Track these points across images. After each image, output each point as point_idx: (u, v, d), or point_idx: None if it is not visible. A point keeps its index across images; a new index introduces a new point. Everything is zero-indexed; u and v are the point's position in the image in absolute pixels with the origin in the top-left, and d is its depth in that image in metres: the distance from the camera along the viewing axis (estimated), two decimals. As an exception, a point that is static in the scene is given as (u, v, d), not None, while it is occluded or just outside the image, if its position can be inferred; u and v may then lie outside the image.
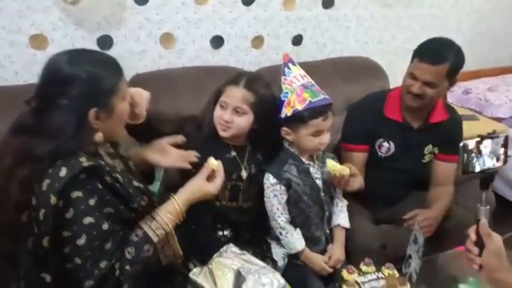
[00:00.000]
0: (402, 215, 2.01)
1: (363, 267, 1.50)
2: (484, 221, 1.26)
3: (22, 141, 1.22)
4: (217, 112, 1.68)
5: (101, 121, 1.26)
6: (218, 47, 2.55)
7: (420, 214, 1.95)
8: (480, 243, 1.24)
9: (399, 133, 2.03)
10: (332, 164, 1.73)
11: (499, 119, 3.05)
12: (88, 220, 1.18)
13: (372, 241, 1.89)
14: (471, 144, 1.23)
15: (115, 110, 1.28)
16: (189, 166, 1.55)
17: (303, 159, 1.76)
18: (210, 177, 1.45)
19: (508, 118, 3.07)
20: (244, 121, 1.67)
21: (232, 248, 1.23)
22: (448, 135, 2.05)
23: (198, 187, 1.42)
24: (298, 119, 1.68)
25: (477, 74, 3.44)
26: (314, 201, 1.78)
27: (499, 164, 1.28)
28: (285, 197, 1.74)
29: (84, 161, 1.19)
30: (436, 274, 1.79)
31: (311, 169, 1.78)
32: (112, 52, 2.29)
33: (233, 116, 1.66)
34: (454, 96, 3.27)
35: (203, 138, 1.68)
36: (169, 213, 1.34)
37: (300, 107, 1.66)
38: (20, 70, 2.14)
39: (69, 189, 1.16)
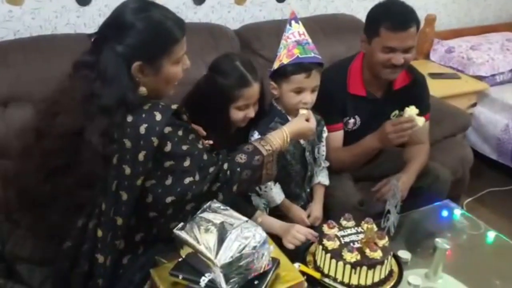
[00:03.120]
0: (380, 173, 2.03)
1: (343, 222, 1.54)
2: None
3: (84, 77, 1.27)
4: (239, 114, 1.68)
5: (145, 76, 1.29)
6: (200, 3, 2.50)
7: (388, 182, 1.93)
8: None
9: (364, 106, 1.99)
10: (415, 111, 1.77)
11: (480, 78, 3.08)
12: (185, 147, 1.30)
13: (351, 198, 1.91)
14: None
15: (162, 71, 1.31)
16: None
17: (290, 118, 1.77)
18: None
19: (489, 76, 3.10)
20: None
21: (215, 204, 1.25)
22: (413, 98, 1.98)
23: (301, 123, 1.60)
24: (282, 73, 1.70)
25: (460, 33, 3.44)
26: (296, 160, 1.81)
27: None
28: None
29: (171, 105, 1.30)
30: (413, 229, 1.86)
31: None
32: (91, 7, 2.23)
33: (254, 108, 1.71)
34: (437, 54, 3.28)
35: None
36: (277, 136, 1.50)
37: (286, 61, 1.67)
38: (-4, 26, 2.08)
39: (164, 128, 1.26)
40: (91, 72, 1.27)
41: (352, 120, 2.02)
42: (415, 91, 2.02)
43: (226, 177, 1.36)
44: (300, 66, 1.67)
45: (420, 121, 1.77)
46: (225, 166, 1.36)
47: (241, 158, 1.40)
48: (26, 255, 1.39)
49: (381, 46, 1.84)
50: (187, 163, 1.29)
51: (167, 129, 1.26)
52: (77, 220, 1.28)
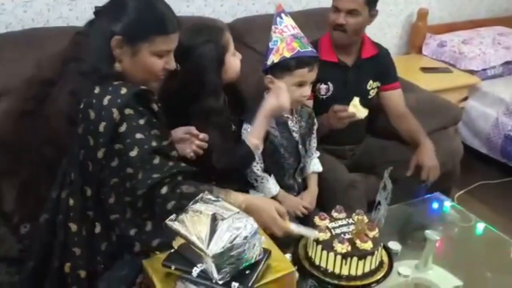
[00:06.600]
0: (368, 162, 2.09)
1: (335, 214, 1.56)
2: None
3: (76, 42, 1.35)
4: (236, 61, 1.67)
5: (123, 53, 1.31)
6: (193, -4, 2.50)
7: (420, 160, 2.02)
8: None
9: (336, 72, 2.07)
10: (357, 103, 1.81)
11: (472, 72, 3.10)
12: (139, 135, 1.27)
13: (344, 177, 1.97)
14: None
15: (139, 56, 1.32)
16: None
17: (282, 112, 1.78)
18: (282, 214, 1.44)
19: (480, 70, 3.12)
20: None
21: (207, 195, 1.26)
22: (382, 67, 2.14)
23: (265, 204, 1.44)
24: (285, 67, 1.70)
25: (452, 27, 3.45)
26: (289, 153, 1.83)
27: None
28: (261, 147, 1.76)
29: (141, 86, 1.31)
30: (404, 221, 1.88)
31: (289, 122, 1.81)
32: (83, 0, 2.23)
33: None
34: (429, 49, 3.30)
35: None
36: (236, 196, 1.39)
37: (288, 55, 1.68)
38: (-13, 19, 2.08)
39: (125, 106, 1.26)
40: (84, 41, 1.33)
41: (324, 86, 2.07)
42: (382, 62, 2.16)
43: (163, 190, 1.28)
44: (303, 61, 1.69)
45: (363, 113, 1.84)
46: (167, 180, 1.28)
47: (187, 188, 1.31)
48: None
49: (332, 6, 2.00)
50: (133, 153, 1.26)
51: (128, 111, 1.26)
52: (52, 192, 1.32)
